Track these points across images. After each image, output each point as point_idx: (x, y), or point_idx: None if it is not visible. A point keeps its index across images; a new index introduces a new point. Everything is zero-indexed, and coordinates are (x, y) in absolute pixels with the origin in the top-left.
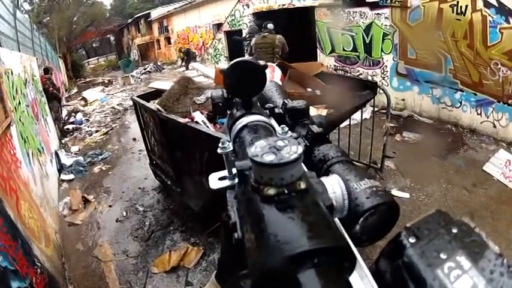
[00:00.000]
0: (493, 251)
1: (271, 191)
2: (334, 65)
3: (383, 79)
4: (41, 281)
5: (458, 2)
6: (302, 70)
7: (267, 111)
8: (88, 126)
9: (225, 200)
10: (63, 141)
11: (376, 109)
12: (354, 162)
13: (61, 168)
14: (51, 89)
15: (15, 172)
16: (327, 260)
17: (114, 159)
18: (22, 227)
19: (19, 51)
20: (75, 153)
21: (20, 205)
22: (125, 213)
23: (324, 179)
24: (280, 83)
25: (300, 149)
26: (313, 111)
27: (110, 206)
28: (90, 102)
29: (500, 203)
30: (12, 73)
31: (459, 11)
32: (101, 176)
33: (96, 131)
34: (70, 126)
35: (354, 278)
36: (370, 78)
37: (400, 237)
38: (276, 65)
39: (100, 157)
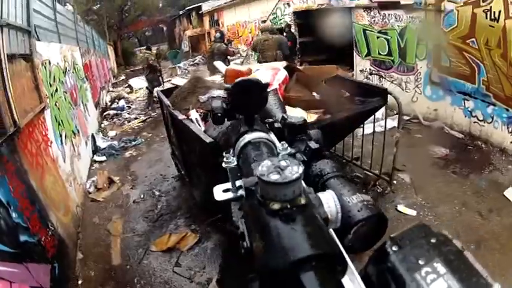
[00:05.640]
0: (474, 264)
1: (276, 206)
2: (370, 69)
3: (416, 86)
4: (49, 241)
5: (491, 6)
6: (315, 73)
7: (267, 125)
8: (128, 113)
9: (229, 210)
10: (102, 125)
11: (408, 118)
12: (365, 170)
13: (96, 150)
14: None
15: (45, 150)
16: (322, 264)
17: (146, 146)
18: (43, 196)
19: (59, 42)
20: (111, 138)
21: (45, 178)
22: (142, 196)
23: (320, 194)
24: (280, 85)
25: (301, 169)
26: (303, 115)
27: (131, 188)
28: (135, 90)
29: None
30: (50, 63)
31: (492, 16)
32: (130, 160)
33: (135, 118)
34: (111, 112)
35: (346, 280)
36: (404, 84)
37: (385, 245)
38: (284, 67)
39: (133, 143)
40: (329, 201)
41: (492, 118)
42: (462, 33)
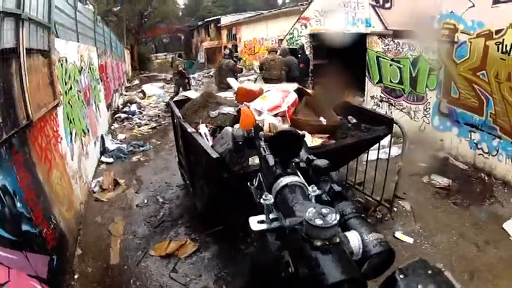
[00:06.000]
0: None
1: (319, 243)
2: (380, 96)
3: (425, 116)
4: (50, 234)
5: (504, 39)
6: (322, 98)
7: (293, 164)
8: (139, 118)
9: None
10: (112, 127)
11: (414, 147)
12: (367, 196)
13: (104, 151)
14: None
15: (54, 145)
16: (352, 286)
17: (154, 152)
18: (48, 189)
19: (78, 41)
20: (120, 141)
21: (52, 172)
22: (145, 201)
23: (347, 233)
24: (289, 108)
25: (338, 217)
26: (308, 138)
27: (136, 192)
28: (148, 96)
29: (508, 267)
30: (66, 61)
31: (504, 49)
32: (137, 165)
33: (145, 124)
34: (122, 115)
35: None
36: (412, 113)
37: (394, 274)
38: (295, 90)
39: (141, 148)
40: (354, 239)
41: (497, 151)
42: (473, 65)
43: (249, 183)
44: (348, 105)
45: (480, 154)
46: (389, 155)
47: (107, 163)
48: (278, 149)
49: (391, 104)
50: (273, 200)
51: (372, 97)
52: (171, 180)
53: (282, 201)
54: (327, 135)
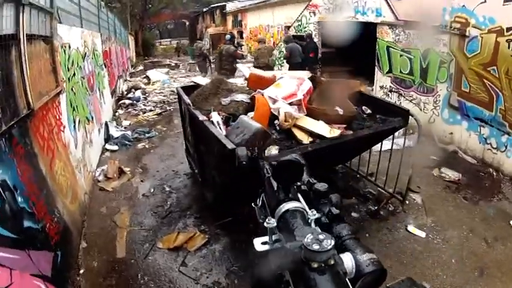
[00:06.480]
0: None
1: (315, 265)
2: (390, 86)
3: (434, 108)
4: (54, 228)
5: None
6: (338, 87)
7: (295, 187)
8: (144, 104)
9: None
10: (116, 114)
11: (423, 139)
12: (379, 187)
13: (108, 139)
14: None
15: (57, 134)
16: None
17: (159, 139)
18: (51, 181)
19: (81, 26)
20: (125, 128)
21: (54, 163)
22: (152, 190)
23: (342, 255)
24: (304, 96)
25: (333, 242)
26: (326, 130)
27: (141, 181)
28: (153, 82)
29: None
30: (70, 47)
31: None
32: (143, 152)
33: (150, 110)
34: (127, 101)
35: None
36: (422, 105)
37: None
38: (309, 78)
39: (147, 135)
40: (347, 261)
41: (506, 147)
42: (484, 60)
43: (253, 204)
44: (361, 95)
45: (489, 149)
46: (403, 147)
47: (112, 151)
48: (281, 175)
49: (401, 95)
50: (275, 224)
51: (381, 87)
52: (178, 168)
53: (284, 225)
54: (344, 126)
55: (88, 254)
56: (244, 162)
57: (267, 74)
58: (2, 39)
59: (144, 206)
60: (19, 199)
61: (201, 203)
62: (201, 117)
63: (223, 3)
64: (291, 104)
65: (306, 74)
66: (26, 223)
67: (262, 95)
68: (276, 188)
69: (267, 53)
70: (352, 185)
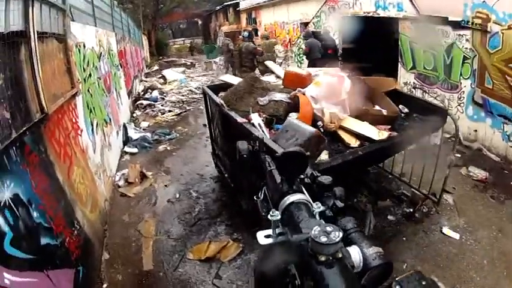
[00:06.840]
0: None
1: (323, 258)
2: (414, 83)
3: (459, 105)
4: (74, 242)
5: None
6: (373, 85)
7: (299, 180)
8: (162, 105)
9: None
10: (134, 115)
11: (448, 136)
12: (413, 188)
13: (127, 141)
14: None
15: (74, 139)
16: None
17: (181, 141)
18: (69, 190)
19: (95, 25)
20: (143, 129)
21: (73, 170)
22: (177, 195)
23: (349, 248)
24: (347, 95)
25: (341, 234)
26: (374, 132)
27: (165, 185)
28: (169, 82)
29: None
30: (84, 46)
31: None
32: (164, 155)
33: (169, 111)
34: (144, 102)
35: None
36: (447, 102)
37: (391, 285)
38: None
39: (168, 137)
40: (355, 254)
41: None
42: (506, 57)
43: (255, 197)
44: (397, 94)
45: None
46: (439, 148)
47: (131, 154)
48: (285, 167)
49: (425, 91)
50: (279, 217)
51: (405, 83)
52: (204, 171)
53: (289, 217)
54: (388, 126)
55: (111, 267)
56: (245, 156)
57: (303, 72)
58: (9, 36)
59: (170, 213)
60: (34, 214)
61: (232, 209)
62: (240, 119)
63: (237, 1)
64: (334, 104)
65: (337, 71)
66: (43, 240)
67: (303, 94)
68: (279, 181)
69: (265, 48)
70: (384, 186)
